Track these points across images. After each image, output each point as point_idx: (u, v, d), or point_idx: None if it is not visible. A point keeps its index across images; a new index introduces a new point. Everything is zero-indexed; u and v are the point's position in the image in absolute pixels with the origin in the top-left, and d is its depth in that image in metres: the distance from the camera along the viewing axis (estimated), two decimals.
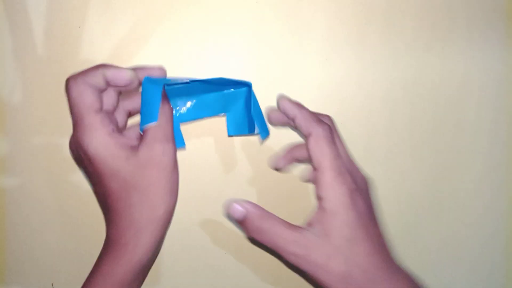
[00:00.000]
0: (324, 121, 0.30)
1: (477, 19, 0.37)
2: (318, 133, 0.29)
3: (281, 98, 0.31)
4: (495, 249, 0.38)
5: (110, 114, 0.30)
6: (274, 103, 0.32)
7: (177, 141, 0.31)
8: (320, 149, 0.28)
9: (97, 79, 0.28)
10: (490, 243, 0.38)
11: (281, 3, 0.36)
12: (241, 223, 0.29)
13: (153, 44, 0.35)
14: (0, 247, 0.36)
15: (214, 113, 0.34)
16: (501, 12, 0.37)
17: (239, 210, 0.29)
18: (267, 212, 0.29)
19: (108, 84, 0.29)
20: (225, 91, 0.34)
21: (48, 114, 0.35)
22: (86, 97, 0.28)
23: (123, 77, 0.29)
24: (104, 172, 0.28)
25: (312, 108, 0.31)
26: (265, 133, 0.33)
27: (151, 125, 0.29)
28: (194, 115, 0.34)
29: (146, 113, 0.30)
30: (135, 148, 0.29)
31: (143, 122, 0.29)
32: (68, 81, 0.29)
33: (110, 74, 0.29)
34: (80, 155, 0.29)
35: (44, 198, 0.36)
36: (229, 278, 0.37)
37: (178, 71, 0.35)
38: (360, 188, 0.29)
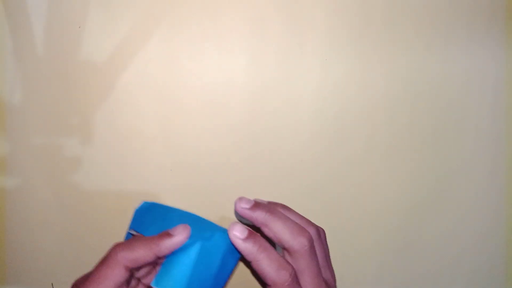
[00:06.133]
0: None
1: (477, 19, 0.37)
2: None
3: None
4: (495, 249, 0.38)
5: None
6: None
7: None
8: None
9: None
10: (490, 243, 0.38)
11: (281, 2, 0.36)
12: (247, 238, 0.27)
13: (153, 44, 0.35)
14: (0, 247, 0.36)
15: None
16: (501, 12, 0.37)
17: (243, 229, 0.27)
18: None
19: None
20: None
21: (48, 114, 0.35)
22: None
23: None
24: None
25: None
26: None
27: None
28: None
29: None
30: None
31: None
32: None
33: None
34: None
35: (44, 198, 0.36)
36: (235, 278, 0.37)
37: (178, 71, 0.35)
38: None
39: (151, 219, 0.30)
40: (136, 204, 0.32)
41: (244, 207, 0.28)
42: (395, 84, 0.37)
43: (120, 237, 0.36)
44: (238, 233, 0.26)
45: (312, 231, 0.29)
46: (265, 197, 0.36)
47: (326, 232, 0.31)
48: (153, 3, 0.35)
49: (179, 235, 0.26)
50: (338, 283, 0.35)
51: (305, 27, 0.36)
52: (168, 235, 0.26)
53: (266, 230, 0.28)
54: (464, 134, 0.37)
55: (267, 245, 0.27)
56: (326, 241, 0.30)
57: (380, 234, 0.37)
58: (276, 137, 0.36)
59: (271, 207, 0.29)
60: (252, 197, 0.36)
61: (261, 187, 0.36)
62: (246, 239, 0.26)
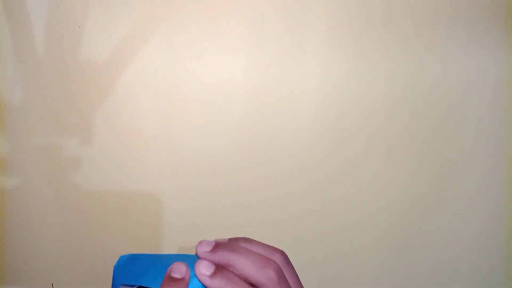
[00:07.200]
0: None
1: (477, 19, 0.37)
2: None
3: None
4: (495, 249, 0.38)
5: None
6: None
7: None
8: None
9: None
10: (490, 243, 0.38)
11: (281, 2, 0.36)
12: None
13: (153, 44, 0.35)
14: (0, 247, 0.36)
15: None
16: (501, 12, 0.37)
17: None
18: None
19: None
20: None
21: (48, 114, 0.35)
22: None
23: None
24: None
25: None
26: None
27: None
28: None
29: None
30: None
31: None
32: None
33: None
34: None
35: (44, 198, 0.36)
36: None
37: (178, 71, 0.35)
38: None
39: (137, 269, 0.29)
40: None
41: (204, 250, 0.27)
42: (395, 84, 0.37)
43: (120, 236, 0.36)
44: (204, 271, 0.25)
45: (278, 258, 0.27)
46: (265, 197, 0.36)
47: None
48: (153, 3, 0.35)
49: (187, 274, 0.25)
50: (338, 283, 0.35)
51: (305, 27, 0.36)
52: (174, 278, 0.25)
53: (231, 270, 0.26)
54: (464, 134, 0.37)
55: (236, 278, 0.26)
56: (291, 263, 0.30)
57: (380, 234, 0.37)
58: (276, 137, 0.36)
59: (232, 245, 0.28)
60: (252, 197, 0.36)
61: (261, 187, 0.36)
62: (212, 275, 0.25)
